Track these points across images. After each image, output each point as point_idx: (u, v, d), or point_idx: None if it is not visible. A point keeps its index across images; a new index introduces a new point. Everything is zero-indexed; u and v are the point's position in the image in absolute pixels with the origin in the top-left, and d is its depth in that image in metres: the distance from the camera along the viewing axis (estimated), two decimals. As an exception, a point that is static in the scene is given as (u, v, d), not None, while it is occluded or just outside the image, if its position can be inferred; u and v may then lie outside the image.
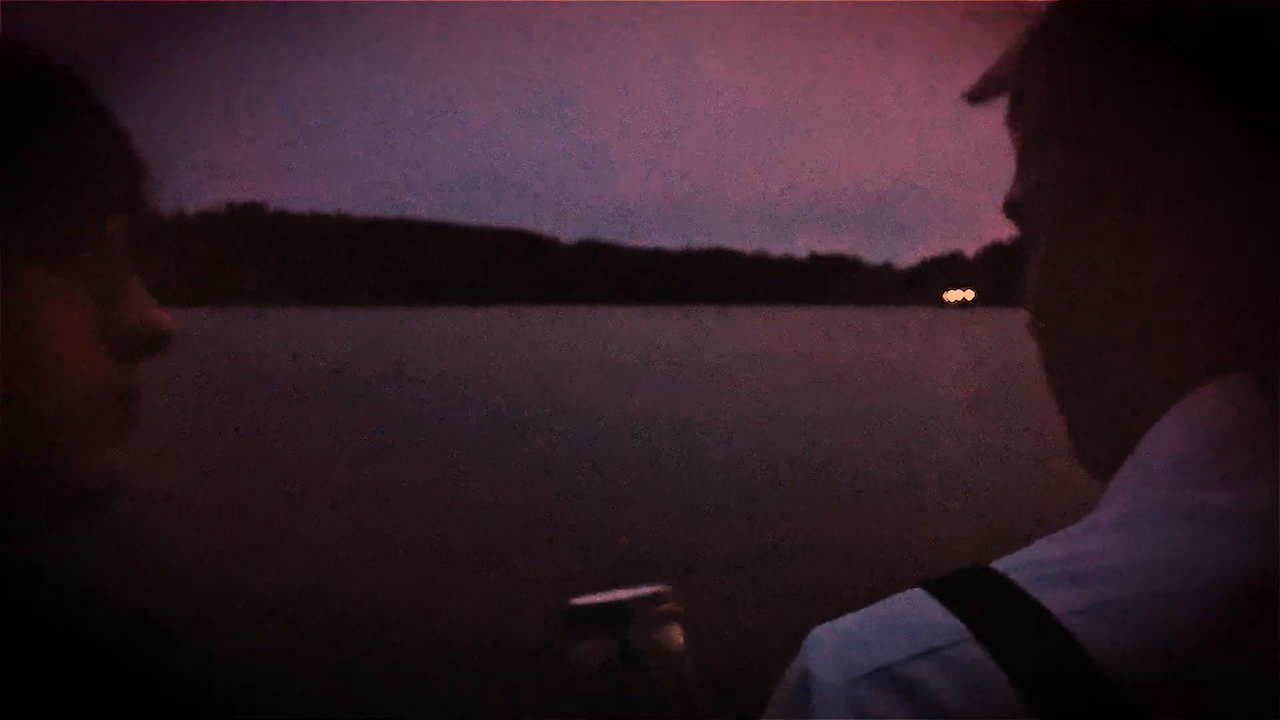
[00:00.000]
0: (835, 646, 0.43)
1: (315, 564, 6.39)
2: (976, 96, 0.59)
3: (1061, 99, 0.52)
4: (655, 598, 0.94)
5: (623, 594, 0.94)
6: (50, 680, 0.41)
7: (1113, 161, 0.49)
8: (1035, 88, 0.54)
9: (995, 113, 0.58)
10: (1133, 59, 0.49)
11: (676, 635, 0.94)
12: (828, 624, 0.45)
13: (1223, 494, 0.44)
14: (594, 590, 0.96)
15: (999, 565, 0.45)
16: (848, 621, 0.45)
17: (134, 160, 0.54)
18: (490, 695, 4.07)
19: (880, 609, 0.45)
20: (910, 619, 0.43)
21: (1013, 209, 0.57)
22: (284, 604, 5.32)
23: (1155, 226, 0.48)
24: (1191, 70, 0.47)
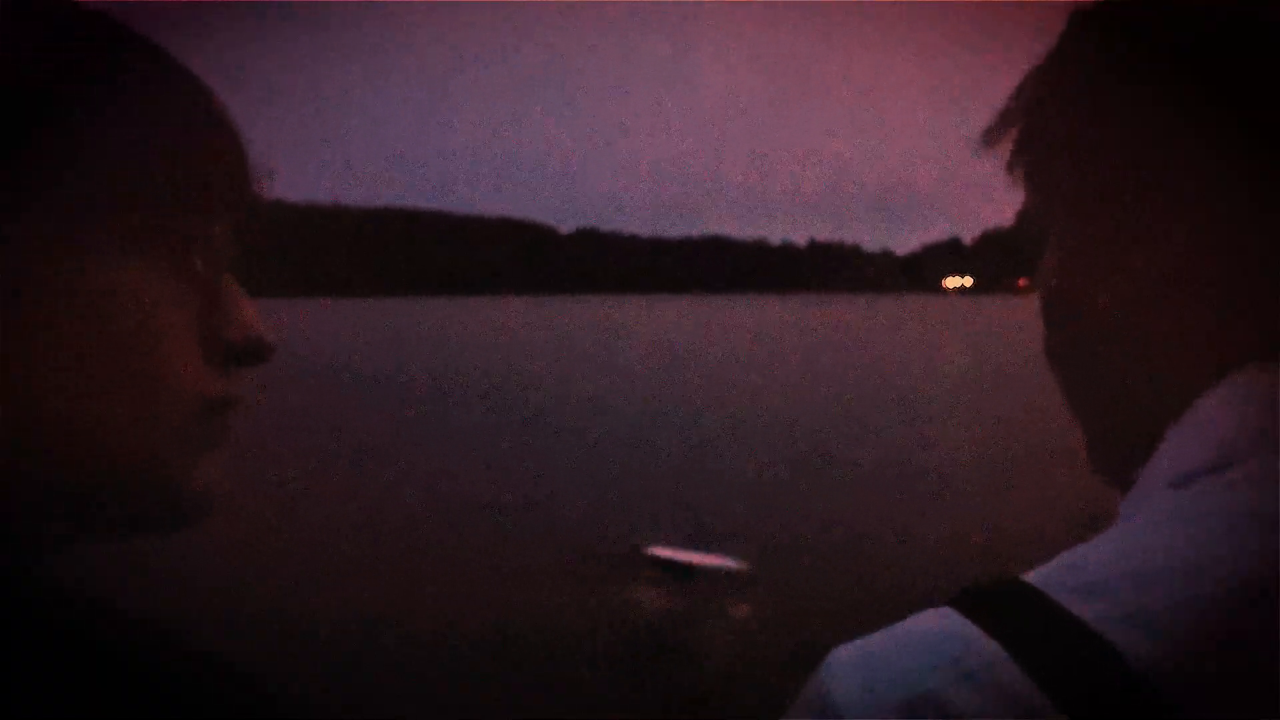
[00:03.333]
0: (859, 669, 0.40)
1: (315, 563, 6.41)
2: (994, 132, 0.57)
3: (1063, 102, 0.51)
4: (726, 571, 0.93)
5: (697, 557, 0.93)
6: (49, 679, 0.40)
7: (1114, 163, 0.49)
8: (1038, 92, 0.53)
9: (995, 109, 0.56)
10: (1133, 60, 0.48)
11: (738, 610, 0.92)
12: (848, 644, 0.42)
13: (1254, 495, 0.43)
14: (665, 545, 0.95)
15: (1030, 578, 0.42)
16: (870, 641, 0.42)
17: (245, 160, 0.51)
18: (490, 695, 4.07)
19: (906, 628, 0.42)
20: (940, 639, 0.40)
21: (1024, 214, 0.56)
22: (284, 604, 5.34)
23: (1156, 227, 0.47)
24: (1191, 70, 0.46)
